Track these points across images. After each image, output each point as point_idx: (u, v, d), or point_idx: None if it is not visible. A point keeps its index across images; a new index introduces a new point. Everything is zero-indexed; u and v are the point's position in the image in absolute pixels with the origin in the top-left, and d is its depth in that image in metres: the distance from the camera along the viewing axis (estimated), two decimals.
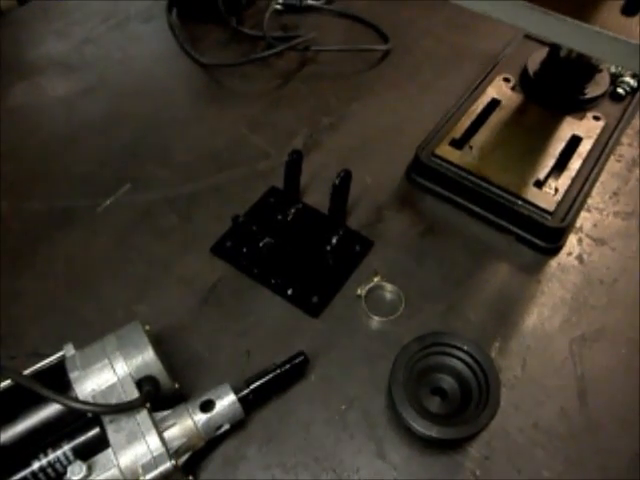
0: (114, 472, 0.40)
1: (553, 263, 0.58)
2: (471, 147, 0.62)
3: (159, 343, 0.48)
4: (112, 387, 0.42)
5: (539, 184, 0.59)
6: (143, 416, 0.42)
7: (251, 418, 0.48)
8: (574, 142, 0.63)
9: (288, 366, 0.48)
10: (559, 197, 0.58)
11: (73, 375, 0.42)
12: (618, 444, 0.48)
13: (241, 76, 0.74)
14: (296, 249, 0.57)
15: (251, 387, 0.46)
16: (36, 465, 0.40)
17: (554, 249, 0.59)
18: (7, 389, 0.42)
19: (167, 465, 0.41)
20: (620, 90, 0.68)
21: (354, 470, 0.46)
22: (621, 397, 0.50)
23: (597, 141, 0.63)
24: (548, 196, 0.58)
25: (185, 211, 0.61)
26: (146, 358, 0.44)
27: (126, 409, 0.41)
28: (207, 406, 0.44)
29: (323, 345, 0.52)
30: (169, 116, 0.70)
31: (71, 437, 0.41)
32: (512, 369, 0.51)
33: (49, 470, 0.40)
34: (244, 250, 0.57)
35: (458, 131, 0.63)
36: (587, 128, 0.64)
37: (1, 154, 0.65)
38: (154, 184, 0.63)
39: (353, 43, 0.78)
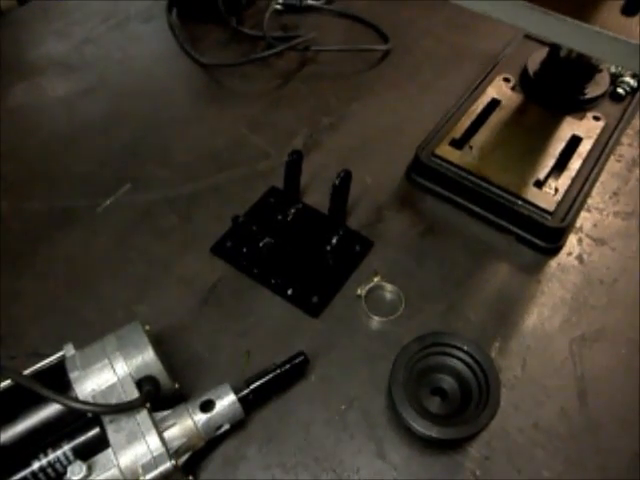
0: (114, 472, 0.40)
1: (553, 263, 0.58)
2: (471, 147, 0.62)
3: (159, 343, 0.48)
4: (112, 387, 0.42)
5: (539, 184, 0.59)
6: (143, 416, 0.42)
7: (251, 418, 0.48)
8: (574, 142, 0.63)
9: (288, 366, 0.48)
10: (559, 197, 0.58)
11: (73, 375, 0.42)
12: (618, 444, 0.48)
13: (241, 76, 0.74)
14: (296, 249, 0.57)
15: (251, 387, 0.46)
16: (36, 465, 0.40)
17: (554, 249, 0.59)
18: (7, 389, 0.42)
19: (167, 465, 0.41)
20: (620, 90, 0.68)
21: (354, 470, 0.46)
22: (621, 397, 0.50)
23: (597, 141, 0.63)
24: (548, 196, 0.58)
25: (185, 211, 0.61)
26: (146, 358, 0.44)
27: (126, 409, 0.41)
28: (207, 406, 0.44)
29: (323, 345, 0.52)
30: (169, 116, 0.70)
31: (71, 437, 0.41)
32: (512, 369, 0.51)
33: (49, 470, 0.40)
34: (244, 250, 0.57)
35: (458, 131, 0.63)
36: (587, 128, 0.64)
37: (1, 154, 0.65)
38: (154, 184, 0.63)
39: (353, 43, 0.78)
